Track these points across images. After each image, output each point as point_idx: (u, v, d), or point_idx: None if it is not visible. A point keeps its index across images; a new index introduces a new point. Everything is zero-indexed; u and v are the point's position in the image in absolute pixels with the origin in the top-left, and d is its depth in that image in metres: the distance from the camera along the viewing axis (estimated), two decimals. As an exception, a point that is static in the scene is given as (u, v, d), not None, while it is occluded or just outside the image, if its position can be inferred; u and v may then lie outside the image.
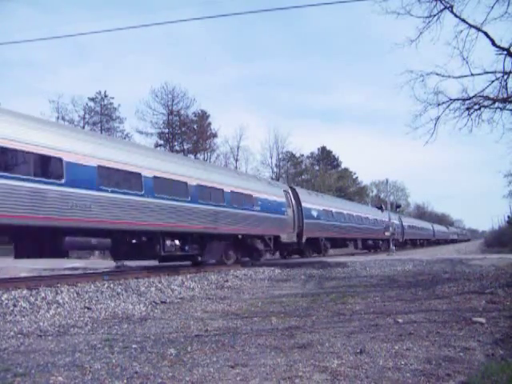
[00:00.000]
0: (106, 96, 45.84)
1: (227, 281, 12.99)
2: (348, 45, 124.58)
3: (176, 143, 46.84)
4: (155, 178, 12.92)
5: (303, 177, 59.25)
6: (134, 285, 10.56)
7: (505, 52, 12.70)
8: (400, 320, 6.52)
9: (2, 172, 9.02)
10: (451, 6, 12.82)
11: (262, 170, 51.98)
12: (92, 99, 45.04)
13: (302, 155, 61.80)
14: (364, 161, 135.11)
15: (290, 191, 21.64)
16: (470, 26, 12.83)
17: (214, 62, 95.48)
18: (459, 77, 13.63)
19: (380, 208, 32.68)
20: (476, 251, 40.91)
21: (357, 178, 73.29)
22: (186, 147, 46.77)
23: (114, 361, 4.64)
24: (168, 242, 13.45)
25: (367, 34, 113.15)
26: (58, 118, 40.17)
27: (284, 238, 19.74)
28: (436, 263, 15.45)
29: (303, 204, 22.09)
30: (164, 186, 13.25)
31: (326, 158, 68.31)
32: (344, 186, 62.08)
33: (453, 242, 76.55)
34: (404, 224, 45.21)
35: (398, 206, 47.17)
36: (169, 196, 13.36)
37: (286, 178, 53.63)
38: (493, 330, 5.74)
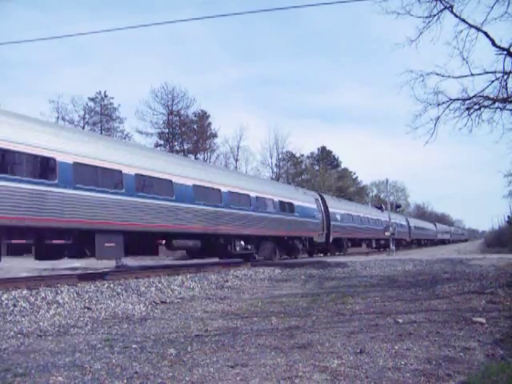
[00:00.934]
0: (105, 96, 45.92)
1: (227, 281, 12.99)
2: (348, 45, 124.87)
3: (176, 143, 46.92)
4: (229, 192, 16.78)
5: (303, 177, 59.27)
6: (133, 285, 10.56)
7: (505, 52, 12.69)
8: (400, 320, 6.52)
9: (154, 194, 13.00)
10: (451, 6, 12.80)
11: (262, 170, 52.10)
12: (92, 99, 45.11)
13: (302, 155, 61.94)
14: (364, 161, 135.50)
15: (319, 198, 25.18)
16: (470, 25, 12.82)
17: (214, 61, 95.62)
18: (459, 77, 13.62)
19: (380, 208, 32.89)
20: (476, 251, 40.91)
21: (357, 178, 73.50)
22: (185, 147, 46.85)
23: (114, 361, 4.64)
24: (237, 243, 17.01)
25: (367, 34, 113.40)
26: (57, 118, 40.23)
27: (316, 238, 23.19)
28: (436, 263, 15.45)
29: (330, 209, 25.49)
30: (236, 199, 17.05)
31: (325, 158, 68.39)
32: (344, 186, 62.11)
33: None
34: (410, 225, 46.10)
35: (398, 206, 47.25)
36: (240, 207, 17.26)
37: (286, 178, 53.65)
38: (493, 330, 5.74)
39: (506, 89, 13.11)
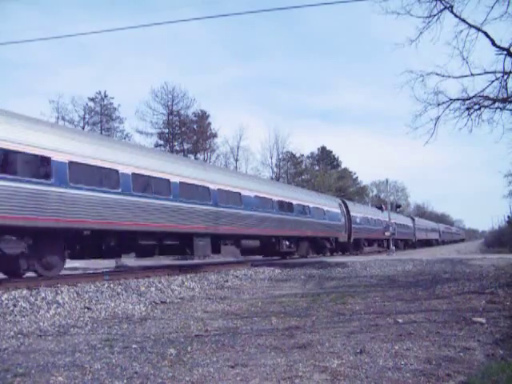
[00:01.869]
0: (105, 96, 45.80)
1: (227, 281, 13.00)
2: (348, 45, 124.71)
3: (176, 143, 46.84)
4: (279, 201, 20.16)
5: (303, 177, 59.18)
6: (133, 285, 10.56)
7: (505, 52, 12.68)
8: (400, 320, 6.52)
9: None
10: (451, 6, 12.79)
11: (262, 170, 52.01)
12: (92, 99, 44.98)
13: (302, 155, 61.78)
14: (364, 161, 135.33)
15: (342, 203, 28.89)
16: (470, 26, 12.81)
17: (214, 61, 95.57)
18: (459, 77, 13.62)
19: (380, 208, 33.15)
20: (476, 251, 40.92)
21: (357, 178, 73.35)
22: (185, 147, 46.78)
23: (114, 361, 4.64)
24: (283, 243, 20.23)
25: (367, 34, 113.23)
26: (57, 118, 40.17)
27: (340, 239, 26.84)
28: (436, 263, 15.45)
29: (351, 213, 29.05)
30: (283, 206, 20.45)
31: (325, 158, 68.29)
32: (344, 185, 62.00)
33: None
34: (416, 225, 46.72)
35: (398, 206, 47.31)
36: (287, 213, 20.52)
37: (286, 178, 53.62)
38: (493, 330, 5.74)
39: (506, 89, 13.12)
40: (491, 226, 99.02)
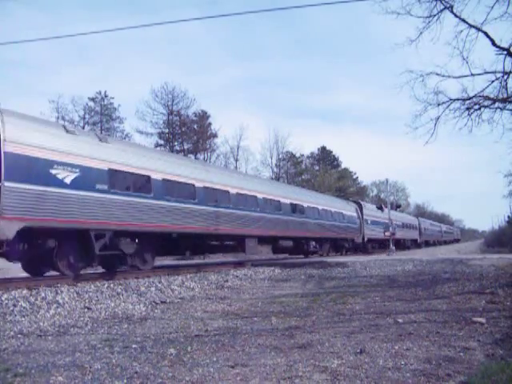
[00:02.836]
0: (106, 96, 45.82)
1: (227, 281, 12.99)
2: (348, 45, 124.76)
3: (176, 143, 46.86)
4: (308, 207, 23.13)
5: (303, 177, 59.22)
6: (133, 285, 10.56)
7: (505, 52, 12.68)
8: (400, 320, 6.52)
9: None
10: (451, 6, 12.79)
11: (262, 170, 52.02)
12: (92, 99, 45.01)
13: (302, 155, 61.83)
14: (364, 161, 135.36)
15: (357, 207, 31.60)
16: (470, 25, 12.81)
17: (214, 62, 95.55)
18: (459, 77, 13.61)
19: (380, 208, 33.32)
20: (476, 251, 40.92)
21: (357, 178, 73.34)
22: (186, 147, 46.78)
23: (114, 361, 4.64)
24: (311, 244, 23.09)
25: (367, 34, 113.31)
26: (57, 118, 40.15)
27: (356, 239, 29.77)
28: (436, 263, 15.45)
29: (364, 216, 31.86)
30: (311, 211, 23.34)
31: (326, 158, 68.30)
32: (344, 185, 62.00)
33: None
34: (421, 226, 47.34)
35: (398, 206, 47.37)
36: (314, 217, 23.62)
37: (286, 178, 53.63)
38: (493, 330, 5.74)
39: (506, 89, 13.12)
40: (491, 226, 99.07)
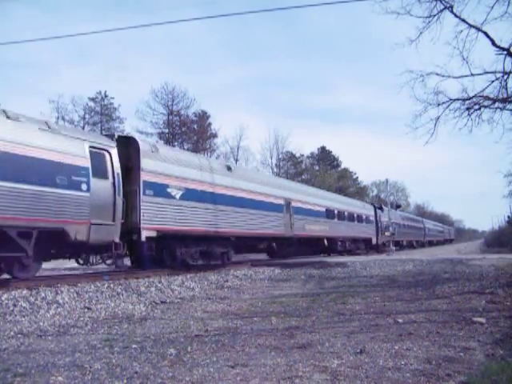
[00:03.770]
0: (106, 96, 45.87)
1: (227, 281, 12.99)
2: (348, 45, 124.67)
3: (176, 143, 46.83)
4: (338, 211, 27.22)
5: (303, 177, 59.19)
6: (133, 285, 10.55)
7: (505, 52, 12.66)
8: (400, 320, 6.52)
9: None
10: (451, 6, 12.77)
11: (262, 170, 52.00)
12: (92, 99, 45.05)
13: (302, 155, 61.84)
14: (364, 161, 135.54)
15: (374, 209, 34.60)
16: (470, 26, 12.79)
17: (215, 61, 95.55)
18: (459, 77, 13.59)
19: (380, 208, 33.45)
20: (476, 251, 40.92)
21: (357, 177, 73.31)
22: (185, 147, 46.75)
23: (114, 361, 4.64)
24: (338, 243, 26.03)
25: (367, 34, 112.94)
26: (57, 118, 40.16)
27: (372, 239, 32.56)
28: (436, 263, 15.45)
29: (378, 218, 34.27)
30: (341, 214, 27.42)
31: (325, 158, 68.28)
32: (344, 185, 62.02)
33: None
34: (426, 226, 47.78)
35: (398, 206, 47.51)
36: (345, 219, 27.83)
37: (286, 178, 53.57)
38: (493, 330, 5.74)
39: (506, 89, 13.10)
40: (491, 226, 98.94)
